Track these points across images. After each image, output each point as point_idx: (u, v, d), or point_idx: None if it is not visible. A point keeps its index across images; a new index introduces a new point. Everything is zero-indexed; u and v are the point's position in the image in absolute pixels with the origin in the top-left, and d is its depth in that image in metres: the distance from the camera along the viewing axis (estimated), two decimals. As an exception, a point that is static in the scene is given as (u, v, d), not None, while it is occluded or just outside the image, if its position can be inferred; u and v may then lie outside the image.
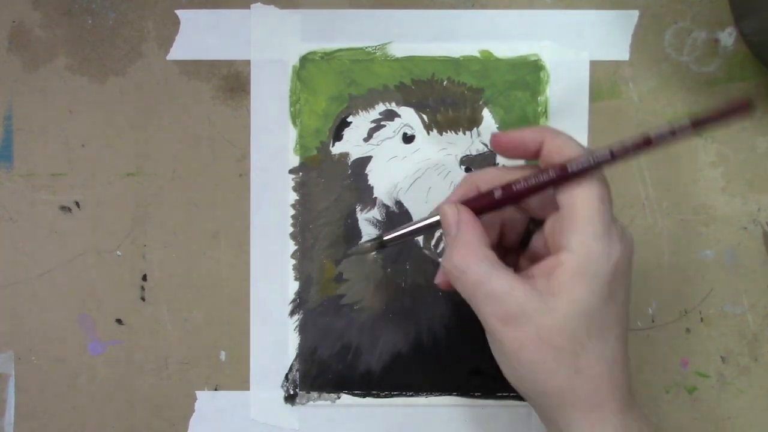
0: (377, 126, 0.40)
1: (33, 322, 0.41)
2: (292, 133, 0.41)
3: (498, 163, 0.40)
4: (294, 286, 0.40)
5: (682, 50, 0.40)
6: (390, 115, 0.40)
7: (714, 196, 0.40)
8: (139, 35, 0.41)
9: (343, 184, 0.40)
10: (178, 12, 0.41)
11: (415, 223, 0.34)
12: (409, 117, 0.40)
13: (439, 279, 0.34)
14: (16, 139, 0.41)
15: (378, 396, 0.40)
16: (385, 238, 0.34)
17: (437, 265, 0.40)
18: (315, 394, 0.41)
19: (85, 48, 0.41)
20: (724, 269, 0.40)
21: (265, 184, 0.41)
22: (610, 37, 0.40)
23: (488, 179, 0.33)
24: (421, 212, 0.40)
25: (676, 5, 0.40)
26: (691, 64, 0.40)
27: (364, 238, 0.40)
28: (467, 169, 0.40)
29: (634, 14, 0.40)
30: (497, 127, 0.40)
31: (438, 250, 0.40)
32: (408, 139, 0.40)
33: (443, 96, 0.40)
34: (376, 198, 0.40)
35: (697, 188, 0.40)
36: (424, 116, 0.40)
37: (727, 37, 0.40)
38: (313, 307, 0.40)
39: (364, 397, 0.40)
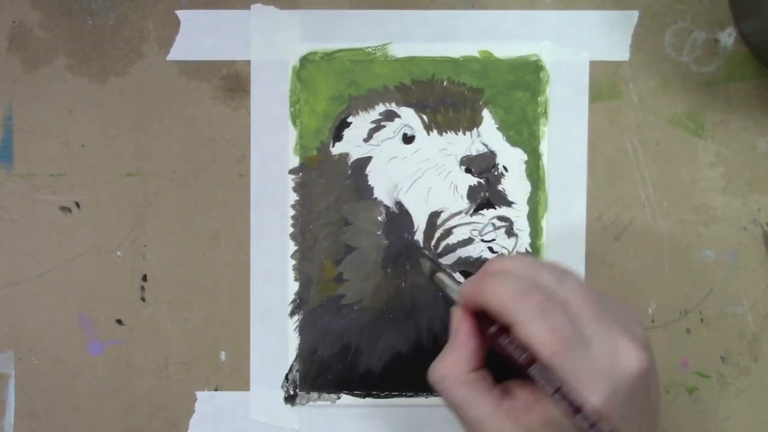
0: (377, 126, 0.40)
1: (33, 322, 0.41)
2: (292, 134, 0.41)
3: (498, 164, 0.40)
4: (294, 287, 0.40)
5: (682, 50, 0.40)
6: (390, 116, 0.40)
7: (714, 196, 0.40)
8: (139, 35, 0.41)
9: (343, 184, 0.40)
10: (178, 12, 0.41)
11: (452, 288, 0.34)
12: (409, 117, 0.40)
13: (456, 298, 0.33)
14: (16, 139, 0.41)
15: (378, 396, 0.40)
16: (436, 275, 0.35)
17: (437, 265, 0.40)
18: (315, 395, 0.41)
19: (85, 48, 0.41)
20: (724, 269, 0.40)
21: (265, 184, 0.41)
22: (610, 37, 0.40)
23: (514, 268, 0.31)
24: (421, 213, 0.40)
25: (676, 5, 0.40)
26: (691, 64, 0.40)
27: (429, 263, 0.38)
28: (467, 170, 0.40)
29: (634, 14, 0.40)
30: (497, 128, 0.40)
31: (438, 251, 0.40)
32: (408, 139, 0.40)
33: (443, 96, 0.40)
34: (376, 198, 0.40)
35: (697, 188, 0.40)
36: (424, 117, 0.40)
37: (727, 37, 0.40)
38: (313, 308, 0.40)
39: (364, 397, 0.40)
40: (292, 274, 0.40)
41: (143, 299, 0.41)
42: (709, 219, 0.40)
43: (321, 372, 0.40)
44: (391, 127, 0.40)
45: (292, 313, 0.41)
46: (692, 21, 0.40)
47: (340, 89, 0.40)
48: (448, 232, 0.40)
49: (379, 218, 0.40)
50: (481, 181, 0.40)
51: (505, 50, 0.40)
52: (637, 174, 0.40)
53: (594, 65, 0.40)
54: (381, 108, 0.40)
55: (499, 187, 0.40)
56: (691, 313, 0.40)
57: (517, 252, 0.40)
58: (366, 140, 0.40)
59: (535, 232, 0.40)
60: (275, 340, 0.40)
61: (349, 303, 0.40)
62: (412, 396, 0.40)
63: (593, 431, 0.26)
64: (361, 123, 0.40)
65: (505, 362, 0.29)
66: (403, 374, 0.40)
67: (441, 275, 0.35)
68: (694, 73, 0.40)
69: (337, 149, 0.40)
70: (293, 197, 0.40)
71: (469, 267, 0.40)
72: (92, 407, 0.41)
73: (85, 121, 0.41)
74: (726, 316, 0.40)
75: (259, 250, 0.41)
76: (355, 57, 0.40)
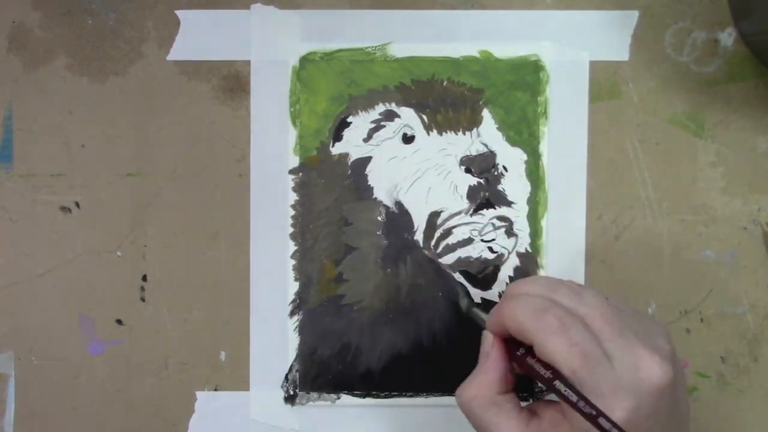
0: (377, 126, 0.40)
1: (33, 322, 0.41)
2: (291, 134, 0.41)
3: (498, 164, 0.40)
4: (294, 287, 0.40)
5: (682, 50, 0.40)
6: (390, 116, 0.40)
7: (714, 196, 0.40)
8: (139, 35, 0.41)
9: (343, 184, 0.40)
10: (178, 12, 0.41)
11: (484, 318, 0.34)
12: (408, 117, 0.40)
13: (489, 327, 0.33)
14: (16, 139, 0.41)
15: (378, 396, 0.40)
16: (472, 309, 0.37)
17: (437, 265, 0.40)
18: (315, 395, 0.41)
19: (85, 48, 0.41)
20: (724, 269, 0.40)
21: (265, 184, 0.40)
22: (610, 37, 0.40)
23: (531, 290, 0.31)
24: (421, 213, 0.40)
25: (676, 5, 0.40)
26: (691, 64, 0.40)
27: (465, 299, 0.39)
28: (467, 170, 0.40)
29: (634, 14, 0.40)
30: (497, 128, 0.40)
31: (438, 251, 0.40)
32: (408, 139, 0.40)
33: (443, 96, 0.40)
34: (375, 198, 0.40)
35: (697, 188, 0.40)
36: (424, 117, 0.40)
37: (727, 37, 0.40)
38: (313, 308, 0.40)
39: (364, 397, 0.40)
40: (292, 274, 0.40)
41: (143, 299, 0.41)
42: (709, 219, 0.40)
43: (321, 372, 0.40)
44: (391, 127, 0.40)
45: (292, 313, 0.41)
46: (692, 21, 0.40)
47: (340, 89, 0.40)
48: (447, 232, 0.40)
49: (379, 218, 0.40)
50: (481, 181, 0.40)
51: (505, 50, 0.40)
52: (637, 174, 0.40)
53: (594, 65, 0.40)
54: (381, 108, 0.40)
55: (499, 187, 0.40)
56: (691, 313, 0.40)
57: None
58: (366, 140, 0.40)
59: (535, 232, 0.40)
60: (275, 340, 0.40)
61: (349, 303, 0.40)
62: (412, 396, 0.40)
63: None
64: (361, 123, 0.40)
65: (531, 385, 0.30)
66: (403, 374, 0.40)
67: (476, 309, 0.36)
68: (694, 73, 0.40)
69: (337, 149, 0.40)
70: (293, 197, 0.40)
71: (469, 267, 0.40)
72: (92, 407, 0.41)
73: (85, 121, 0.41)
74: (726, 316, 0.40)
75: (259, 250, 0.41)
76: (355, 57, 0.40)
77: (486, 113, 0.40)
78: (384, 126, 0.40)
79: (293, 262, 0.40)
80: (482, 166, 0.40)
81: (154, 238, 0.41)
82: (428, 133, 0.40)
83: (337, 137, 0.40)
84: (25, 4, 0.41)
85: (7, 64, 0.41)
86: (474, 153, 0.40)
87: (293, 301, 0.40)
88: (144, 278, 0.41)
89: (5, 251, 0.41)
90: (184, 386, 0.41)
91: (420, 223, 0.40)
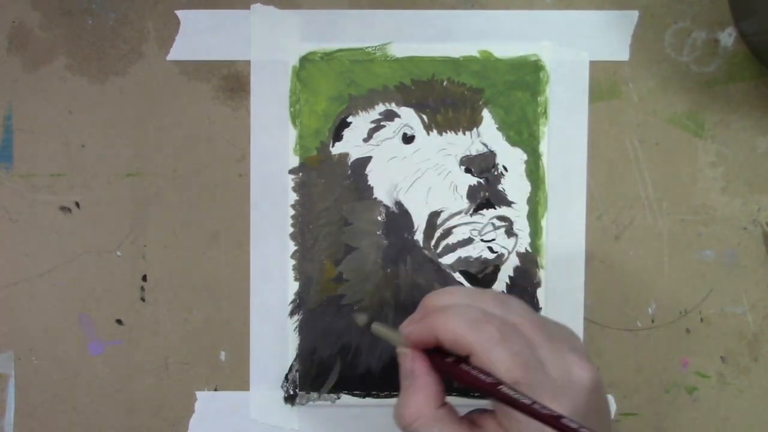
0: (377, 126, 0.40)
1: (33, 322, 0.41)
2: (291, 134, 0.41)
3: (498, 164, 0.40)
4: (294, 287, 0.40)
5: (682, 50, 0.40)
6: (390, 116, 0.40)
7: (714, 196, 0.40)
8: (139, 35, 0.41)
9: (343, 184, 0.40)
10: (178, 12, 0.41)
11: (392, 334, 0.33)
12: (408, 117, 0.40)
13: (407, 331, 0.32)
14: (16, 139, 0.41)
15: (378, 396, 0.40)
16: (373, 325, 0.34)
17: (437, 265, 0.40)
18: (315, 395, 0.41)
19: (85, 48, 0.41)
20: (724, 269, 0.40)
21: (265, 184, 0.41)
22: (610, 37, 0.40)
23: (458, 300, 0.31)
24: (421, 212, 0.40)
25: (676, 5, 0.40)
26: (691, 64, 0.40)
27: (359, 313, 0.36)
28: (467, 170, 0.40)
29: (634, 14, 0.40)
30: (497, 128, 0.40)
31: (438, 251, 0.40)
32: (408, 139, 0.40)
33: (443, 96, 0.40)
34: (376, 198, 0.40)
35: (697, 188, 0.40)
36: (424, 116, 0.40)
37: (727, 37, 0.40)
38: (313, 308, 0.40)
39: (364, 397, 0.40)
40: (292, 274, 0.40)
41: (143, 299, 0.41)
42: (709, 219, 0.40)
43: (321, 372, 0.40)
44: (391, 127, 0.40)
45: (291, 313, 0.41)
46: (692, 21, 0.40)
47: (340, 89, 0.40)
48: (447, 232, 0.40)
49: (379, 218, 0.40)
50: (481, 180, 0.40)
51: (505, 50, 0.40)
52: (637, 174, 0.40)
53: (594, 65, 0.40)
54: (381, 108, 0.40)
55: (499, 187, 0.40)
56: (691, 313, 0.40)
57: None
58: (366, 140, 0.40)
59: (535, 231, 0.40)
60: (275, 340, 0.41)
61: (349, 303, 0.40)
62: (412, 396, 0.40)
63: None
64: (361, 123, 0.40)
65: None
66: (403, 374, 0.40)
67: (377, 325, 0.34)
68: (694, 73, 0.40)
69: (337, 149, 0.40)
70: (293, 197, 0.40)
71: (469, 267, 0.40)
72: (92, 407, 0.41)
73: (85, 121, 0.41)
74: (726, 316, 0.40)
75: (259, 250, 0.41)
76: (354, 57, 0.40)
77: (486, 113, 0.40)
78: (384, 126, 0.40)
79: (293, 262, 0.40)
80: (482, 166, 0.40)
81: (154, 238, 0.41)
82: (428, 133, 0.40)
83: (337, 137, 0.40)
84: (25, 4, 0.41)
85: (7, 64, 0.41)
86: (474, 153, 0.40)
87: (293, 301, 0.40)
88: (144, 278, 0.41)
89: (5, 251, 0.41)
90: (184, 386, 0.41)
91: (420, 223, 0.40)
